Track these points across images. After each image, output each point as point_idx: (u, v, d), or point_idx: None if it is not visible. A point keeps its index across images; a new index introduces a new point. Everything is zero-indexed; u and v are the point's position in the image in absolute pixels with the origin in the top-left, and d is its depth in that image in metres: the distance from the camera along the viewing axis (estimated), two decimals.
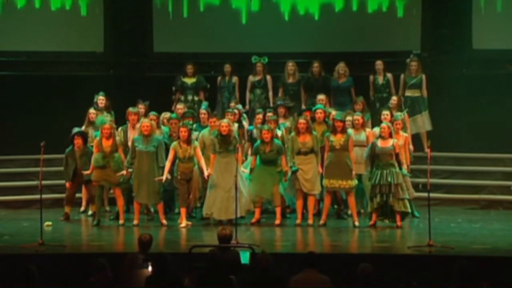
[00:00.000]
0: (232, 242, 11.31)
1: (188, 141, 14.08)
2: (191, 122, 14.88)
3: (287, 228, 14.40)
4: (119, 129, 14.91)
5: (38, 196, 13.53)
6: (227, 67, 17.08)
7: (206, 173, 14.06)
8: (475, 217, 15.11)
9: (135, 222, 14.13)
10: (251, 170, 14.34)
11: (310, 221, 14.16)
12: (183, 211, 14.23)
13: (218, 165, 14.00)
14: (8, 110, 16.57)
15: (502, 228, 14.01)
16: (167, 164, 14.09)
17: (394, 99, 16.03)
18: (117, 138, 14.32)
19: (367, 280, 9.08)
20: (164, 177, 14.07)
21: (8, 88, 16.85)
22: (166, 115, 15.61)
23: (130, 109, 15.06)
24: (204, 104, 16.06)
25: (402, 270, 11.02)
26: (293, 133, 14.23)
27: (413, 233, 13.59)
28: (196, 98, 16.98)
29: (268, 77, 17.01)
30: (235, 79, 17.09)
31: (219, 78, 17.14)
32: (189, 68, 17.01)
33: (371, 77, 16.84)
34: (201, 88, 17.08)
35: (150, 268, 10.09)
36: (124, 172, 14.16)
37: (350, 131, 14.43)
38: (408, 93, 16.60)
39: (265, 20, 17.86)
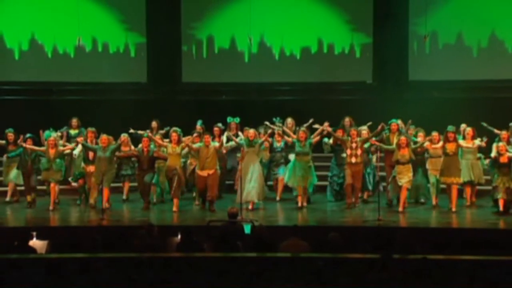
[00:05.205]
0: (238, 217, 11.29)
1: (178, 142, 13.91)
2: (179, 130, 14.15)
3: (277, 208, 14.42)
4: (79, 144, 14.53)
5: None
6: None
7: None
8: None
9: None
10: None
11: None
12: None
13: (247, 159, 13.72)
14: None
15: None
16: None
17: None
18: (60, 147, 14.17)
19: (335, 244, 9.08)
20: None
21: (78, 110, 16.68)
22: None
23: (89, 129, 14.57)
24: (199, 121, 15.72)
25: (360, 237, 11.00)
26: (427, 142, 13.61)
27: (366, 211, 13.53)
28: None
29: (240, 133, 15.20)
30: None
31: None
32: (74, 122, 15.60)
33: None
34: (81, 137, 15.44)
35: (179, 237, 10.09)
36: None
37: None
38: None
39: (262, 59, 17.83)
